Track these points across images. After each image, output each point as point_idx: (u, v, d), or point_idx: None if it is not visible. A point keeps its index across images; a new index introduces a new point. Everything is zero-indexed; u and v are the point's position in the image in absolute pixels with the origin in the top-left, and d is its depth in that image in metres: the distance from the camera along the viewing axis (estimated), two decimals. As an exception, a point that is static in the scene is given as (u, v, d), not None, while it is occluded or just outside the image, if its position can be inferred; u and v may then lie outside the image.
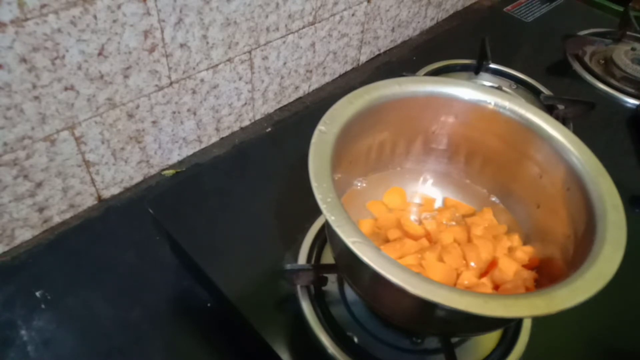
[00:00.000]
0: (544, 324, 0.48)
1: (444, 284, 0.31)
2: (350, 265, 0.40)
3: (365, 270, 0.31)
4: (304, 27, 0.72)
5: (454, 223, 0.48)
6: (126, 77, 0.55)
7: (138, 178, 0.66)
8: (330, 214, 0.34)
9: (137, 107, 0.59)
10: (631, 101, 0.78)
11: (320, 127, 0.40)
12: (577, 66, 0.84)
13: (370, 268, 0.31)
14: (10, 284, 0.54)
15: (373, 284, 0.39)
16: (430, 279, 0.32)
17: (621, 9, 1.01)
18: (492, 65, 0.80)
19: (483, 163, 0.50)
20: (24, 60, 0.46)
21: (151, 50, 0.56)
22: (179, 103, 0.63)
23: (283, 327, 0.46)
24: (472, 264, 0.43)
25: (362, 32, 0.83)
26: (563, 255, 0.40)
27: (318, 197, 0.34)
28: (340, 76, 0.86)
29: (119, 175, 0.63)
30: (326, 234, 0.49)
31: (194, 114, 0.66)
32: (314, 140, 0.39)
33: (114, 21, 0.51)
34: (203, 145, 0.71)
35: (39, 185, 0.55)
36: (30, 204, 0.56)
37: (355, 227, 0.33)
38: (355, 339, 0.45)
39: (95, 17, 0.49)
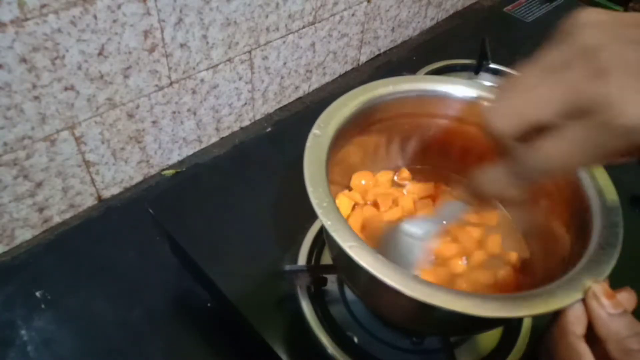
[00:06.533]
0: (544, 323, 0.48)
1: (441, 286, 0.31)
2: (347, 268, 0.40)
3: (363, 273, 0.32)
4: (304, 27, 0.72)
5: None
6: (126, 77, 0.55)
7: (138, 178, 0.66)
8: (326, 218, 0.34)
9: (137, 107, 0.59)
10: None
11: (315, 130, 0.40)
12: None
13: (367, 272, 0.31)
14: (10, 284, 0.54)
15: (371, 287, 0.39)
16: (427, 281, 0.32)
17: (621, 9, 1.00)
18: (493, 65, 0.79)
19: (478, 160, 0.50)
20: (24, 60, 0.46)
21: (151, 50, 0.56)
22: (179, 103, 0.63)
23: (283, 327, 0.46)
24: None
25: (362, 32, 0.83)
26: (560, 253, 0.40)
27: (314, 202, 0.35)
28: (340, 76, 0.86)
29: (119, 175, 0.63)
30: (324, 237, 0.49)
31: (194, 114, 0.66)
32: (308, 144, 0.38)
33: (114, 21, 0.51)
34: (203, 145, 0.72)
35: (39, 185, 0.55)
36: (30, 204, 0.56)
37: (352, 231, 0.33)
38: (355, 339, 0.45)
39: (95, 17, 0.49)
